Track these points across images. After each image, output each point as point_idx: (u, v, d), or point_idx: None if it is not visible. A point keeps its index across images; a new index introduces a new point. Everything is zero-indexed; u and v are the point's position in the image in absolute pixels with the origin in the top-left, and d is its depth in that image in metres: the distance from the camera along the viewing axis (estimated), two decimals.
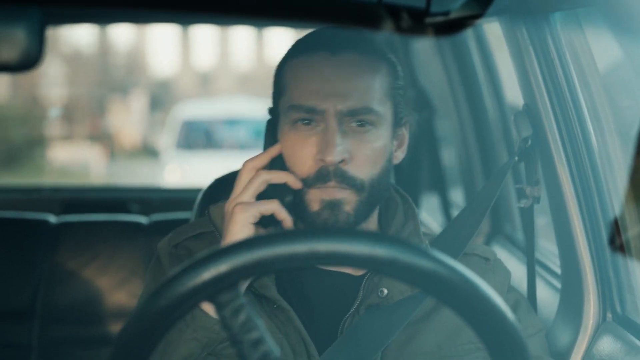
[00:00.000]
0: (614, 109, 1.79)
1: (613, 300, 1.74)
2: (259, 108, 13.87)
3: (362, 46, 1.57)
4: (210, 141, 12.87)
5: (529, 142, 1.79)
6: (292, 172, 1.54)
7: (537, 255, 2.18)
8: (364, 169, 1.53)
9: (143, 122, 18.23)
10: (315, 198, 1.53)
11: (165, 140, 13.63)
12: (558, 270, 2.02)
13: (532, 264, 1.87)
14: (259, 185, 1.52)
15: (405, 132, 1.64)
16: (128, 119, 18.11)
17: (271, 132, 1.62)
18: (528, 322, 1.64)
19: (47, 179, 14.37)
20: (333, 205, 1.52)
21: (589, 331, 1.73)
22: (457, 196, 3.47)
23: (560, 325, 1.81)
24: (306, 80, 1.54)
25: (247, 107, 14.17)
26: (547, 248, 2.36)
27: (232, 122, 13.05)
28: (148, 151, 14.80)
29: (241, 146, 12.67)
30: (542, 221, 2.21)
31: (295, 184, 1.53)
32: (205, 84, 20.68)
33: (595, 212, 1.75)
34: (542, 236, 2.45)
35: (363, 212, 1.55)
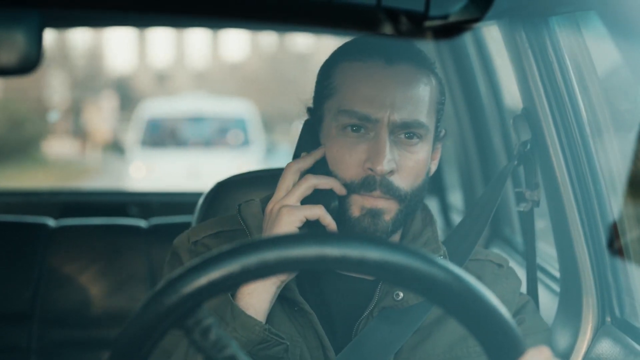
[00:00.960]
0: (612, 113, 1.80)
1: (612, 303, 1.74)
2: (223, 105, 14.14)
3: (416, 58, 1.57)
4: (175, 139, 13.03)
5: (528, 146, 1.80)
6: (335, 176, 1.54)
7: (537, 259, 2.18)
8: (408, 180, 1.54)
9: (113, 120, 18.68)
10: (357, 204, 1.53)
11: (130, 137, 13.84)
12: (557, 274, 2.01)
13: (533, 268, 1.87)
14: (306, 189, 1.53)
15: (439, 146, 1.65)
16: (100, 118, 18.61)
17: (309, 133, 1.60)
18: (534, 322, 1.65)
19: (52, 171, 14.72)
20: (374, 214, 1.53)
21: (588, 334, 1.73)
22: (456, 200, 3.46)
23: (559, 329, 1.81)
24: (360, 86, 1.53)
25: (211, 104, 14.28)
26: (546, 251, 2.36)
27: (196, 120, 13.20)
28: (118, 146, 15.26)
29: (206, 143, 12.77)
30: (541, 225, 2.21)
31: (340, 190, 1.53)
32: (162, 82, 20.76)
33: (594, 215, 1.75)
34: (540, 239, 2.45)
35: (401, 221, 1.56)
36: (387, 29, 1.80)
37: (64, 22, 3.13)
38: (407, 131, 1.53)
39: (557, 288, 1.98)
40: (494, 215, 2.89)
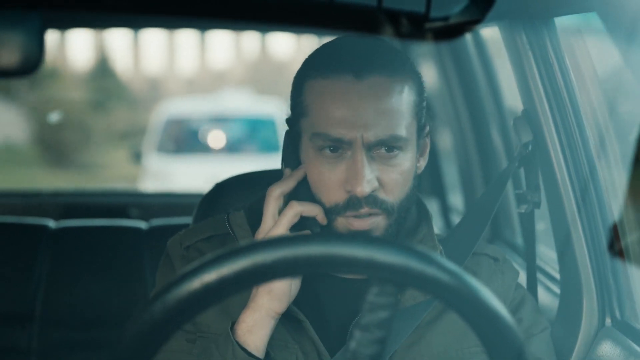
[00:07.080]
0: (613, 114, 1.80)
1: (612, 305, 1.74)
2: (251, 104, 12.20)
3: (388, 65, 1.51)
4: (196, 143, 11.18)
5: (529, 148, 1.79)
6: (318, 197, 1.51)
7: (537, 260, 2.18)
8: (394, 193, 1.51)
9: None
10: (344, 227, 1.51)
11: (146, 142, 12.09)
12: (557, 276, 2.01)
13: (533, 270, 1.87)
14: (293, 217, 1.50)
15: (427, 141, 1.62)
16: None
17: (291, 146, 1.58)
18: (533, 321, 1.64)
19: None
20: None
21: (588, 336, 1.73)
22: (457, 201, 3.47)
23: (559, 331, 1.81)
24: (330, 107, 1.48)
25: (237, 103, 12.22)
26: (546, 254, 2.36)
27: (220, 121, 11.30)
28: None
29: (230, 148, 11.05)
30: (541, 226, 2.21)
31: (322, 219, 1.51)
32: (155, 87, 21.05)
33: (595, 217, 1.75)
34: (540, 241, 2.45)
35: (391, 232, 1.53)
36: (388, 30, 1.80)
37: (65, 23, 3.14)
38: (385, 146, 1.49)
39: (557, 290, 1.98)
40: (495, 217, 2.90)
